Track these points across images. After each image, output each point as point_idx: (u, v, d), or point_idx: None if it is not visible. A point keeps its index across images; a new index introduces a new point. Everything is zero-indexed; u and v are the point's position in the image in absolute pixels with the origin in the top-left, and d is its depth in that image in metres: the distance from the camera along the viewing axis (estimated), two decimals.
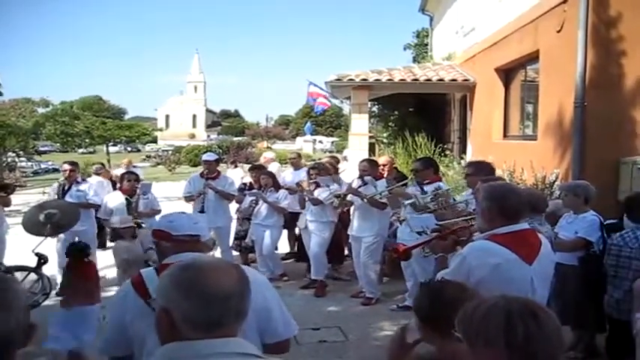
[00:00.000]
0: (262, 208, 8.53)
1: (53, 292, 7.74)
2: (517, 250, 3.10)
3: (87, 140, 44.10)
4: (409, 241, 5.13)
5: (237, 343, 1.61)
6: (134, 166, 16.39)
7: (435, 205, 5.88)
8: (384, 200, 7.26)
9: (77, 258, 5.93)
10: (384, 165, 8.37)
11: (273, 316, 2.55)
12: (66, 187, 8.22)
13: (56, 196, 8.12)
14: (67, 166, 8.41)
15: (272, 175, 8.88)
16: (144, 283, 2.52)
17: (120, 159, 19.93)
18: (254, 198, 8.64)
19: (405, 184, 7.26)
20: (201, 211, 8.23)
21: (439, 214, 5.39)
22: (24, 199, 13.23)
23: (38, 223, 7.40)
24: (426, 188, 6.60)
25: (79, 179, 8.59)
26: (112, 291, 8.04)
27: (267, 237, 8.54)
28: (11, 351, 1.43)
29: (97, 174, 11.65)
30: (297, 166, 10.35)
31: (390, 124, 17.54)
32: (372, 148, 14.98)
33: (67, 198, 8.07)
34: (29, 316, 1.50)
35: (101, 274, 8.98)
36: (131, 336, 2.48)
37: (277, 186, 8.71)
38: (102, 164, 13.36)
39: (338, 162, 10.58)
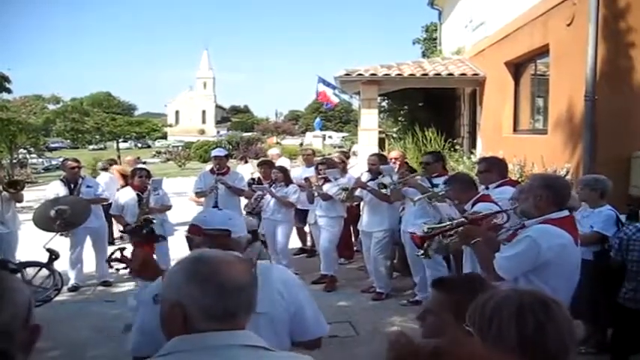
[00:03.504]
0: (270, 203, 8.53)
1: (65, 288, 7.80)
2: (571, 233, 3.39)
3: (97, 137, 44.37)
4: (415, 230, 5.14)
5: (247, 335, 1.62)
6: (144, 162, 16.42)
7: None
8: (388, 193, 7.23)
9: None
10: (396, 158, 8.33)
11: (306, 315, 2.59)
12: (72, 185, 8.23)
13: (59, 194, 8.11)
14: (72, 163, 8.44)
15: (283, 170, 8.85)
16: None
17: (130, 155, 19.98)
18: (260, 193, 8.64)
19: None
20: (215, 207, 8.25)
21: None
22: (35, 196, 13.29)
23: (49, 219, 7.46)
24: (434, 182, 6.62)
25: (83, 176, 8.64)
26: (123, 287, 8.10)
27: (278, 234, 8.54)
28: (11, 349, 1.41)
29: (104, 169, 11.71)
30: (309, 163, 10.26)
31: (399, 118, 17.49)
32: (381, 143, 14.95)
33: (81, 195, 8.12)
34: (32, 315, 1.48)
35: (113, 270, 9.09)
36: (161, 338, 2.44)
37: (288, 180, 8.69)
38: (113, 160, 13.40)
39: (347, 157, 10.56)
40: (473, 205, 4.94)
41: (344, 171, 8.56)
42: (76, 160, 8.61)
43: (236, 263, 1.69)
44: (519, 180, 8.05)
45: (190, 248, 2.70)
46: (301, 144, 59.51)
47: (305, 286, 2.73)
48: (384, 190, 7.18)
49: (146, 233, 6.98)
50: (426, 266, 6.78)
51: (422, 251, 4.05)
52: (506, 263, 3.40)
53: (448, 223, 3.98)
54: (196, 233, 2.66)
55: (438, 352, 2.21)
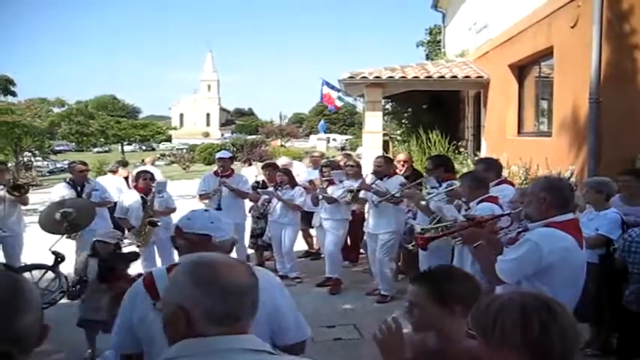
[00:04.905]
0: (277, 206, 8.51)
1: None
2: (575, 237, 3.34)
3: (102, 139, 44.47)
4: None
5: (251, 339, 1.62)
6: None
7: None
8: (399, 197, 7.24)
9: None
10: (404, 161, 8.34)
11: (285, 318, 2.53)
12: (78, 188, 8.24)
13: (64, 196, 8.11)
14: (81, 166, 8.44)
15: (288, 173, 8.83)
16: (154, 283, 2.47)
17: (135, 158, 19.98)
18: (267, 197, 8.64)
19: (419, 183, 7.23)
20: (218, 209, 8.23)
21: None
22: (40, 198, 13.32)
23: (54, 222, 7.47)
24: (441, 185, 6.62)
25: (89, 179, 8.66)
26: None
27: (284, 236, 8.51)
28: (28, 351, 1.45)
29: (113, 172, 11.71)
30: (316, 165, 10.23)
31: (403, 121, 17.50)
32: (385, 146, 14.95)
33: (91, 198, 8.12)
34: (43, 316, 1.51)
35: None
36: (139, 336, 2.45)
37: (293, 183, 8.67)
38: (122, 162, 13.32)
39: (351, 158, 10.51)
40: (478, 203, 5.04)
41: (359, 175, 8.42)
42: (84, 164, 8.61)
43: (238, 266, 1.69)
44: (523, 182, 8.06)
45: (176, 249, 2.69)
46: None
47: (285, 289, 2.66)
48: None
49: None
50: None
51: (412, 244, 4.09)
52: (507, 266, 3.38)
53: (451, 224, 4.00)
54: (178, 236, 2.63)
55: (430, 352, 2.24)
